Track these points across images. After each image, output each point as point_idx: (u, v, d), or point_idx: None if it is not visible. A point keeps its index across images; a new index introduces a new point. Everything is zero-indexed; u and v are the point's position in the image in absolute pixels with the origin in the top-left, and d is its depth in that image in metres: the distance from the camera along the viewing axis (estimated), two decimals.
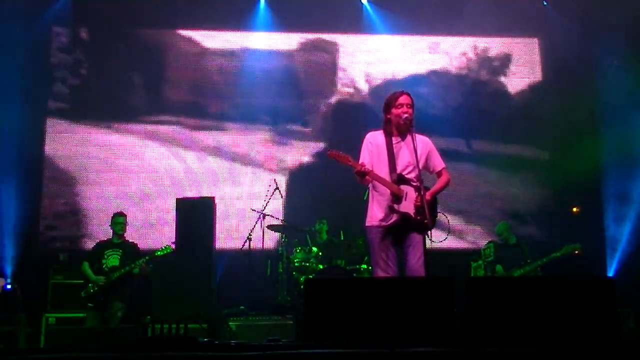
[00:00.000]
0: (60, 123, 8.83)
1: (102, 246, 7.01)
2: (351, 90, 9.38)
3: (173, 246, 6.91)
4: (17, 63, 8.28)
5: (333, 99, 9.35)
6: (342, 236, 7.77)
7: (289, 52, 9.37)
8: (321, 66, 9.40)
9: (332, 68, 9.40)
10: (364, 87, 9.36)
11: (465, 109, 9.41)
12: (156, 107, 9.09)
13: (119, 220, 7.06)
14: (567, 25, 9.16)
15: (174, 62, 9.21)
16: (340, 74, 9.39)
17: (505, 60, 9.56)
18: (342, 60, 9.42)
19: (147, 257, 6.84)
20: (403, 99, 4.62)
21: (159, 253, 6.88)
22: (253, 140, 9.07)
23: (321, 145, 9.01)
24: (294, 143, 9.12)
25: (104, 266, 6.83)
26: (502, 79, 9.54)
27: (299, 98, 9.29)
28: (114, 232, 7.05)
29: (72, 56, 9.01)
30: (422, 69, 9.42)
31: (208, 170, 8.91)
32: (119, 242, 7.01)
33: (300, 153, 9.09)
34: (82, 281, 6.85)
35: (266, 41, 9.29)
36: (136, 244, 7.15)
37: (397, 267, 4.55)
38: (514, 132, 9.35)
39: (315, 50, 9.44)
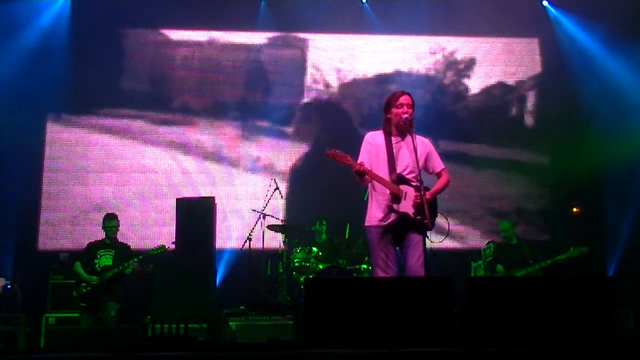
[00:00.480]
0: (60, 123, 8.84)
1: (95, 247, 7.00)
2: (346, 87, 9.39)
3: (172, 246, 6.92)
4: (17, 64, 8.28)
5: (322, 97, 9.38)
6: (347, 234, 7.74)
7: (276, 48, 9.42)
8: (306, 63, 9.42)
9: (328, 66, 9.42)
10: (360, 85, 9.36)
11: (466, 109, 9.42)
12: (155, 105, 9.11)
13: (111, 224, 7.05)
14: (567, 25, 9.16)
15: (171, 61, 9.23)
16: (337, 71, 9.41)
17: (505, 61, 9.55)
18: (338, 58, 9.44)
19: (140, 257, 6.84)
20: (404, 99, 4.61)
21: (153, 252, 6.88)
22: (253, 138, 9.09)
23: (319, 143, 9.00)
24: (292, 141, 9.14)
25: (96, 266, 6.83)
26: (502, 79, 9.53)
27: (280, 95, 9.28)
28: (106, 234, 7.06)
29: (71, 55, 9.02)
30: (423, 69, 9.42)
31: (208, 170, 8.92)
32: (111, 242, 7.02)
33: (299, 152, 9.10)
34: None
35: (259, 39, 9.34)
36: (128, 245, 7.16)
37: (397, 267, 4.55)
38: (515, 132, 9.36)
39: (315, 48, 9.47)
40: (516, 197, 9.12)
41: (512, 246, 7.45)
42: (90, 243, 7.13)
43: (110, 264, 6.85)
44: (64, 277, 7.28)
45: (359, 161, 4.52)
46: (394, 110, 4.62)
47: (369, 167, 4.51)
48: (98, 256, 6.89)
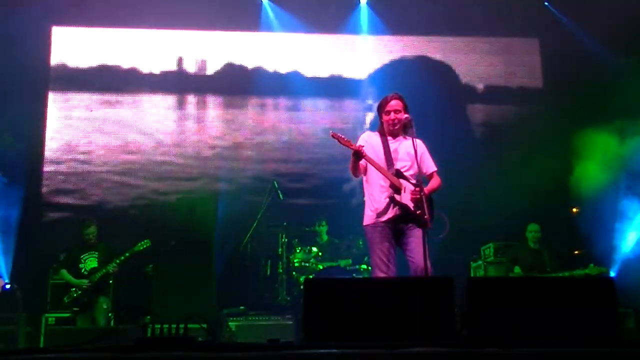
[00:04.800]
0: (59, 122, 8.84)
1: (77, 251, 6.98)
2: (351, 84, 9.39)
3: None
4: (15, 61, 8.25)
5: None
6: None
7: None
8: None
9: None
10: (360, 86, 9.36)
11: (467, 109, 9.41)
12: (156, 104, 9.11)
13: (90, 230, 7.01)
14: (568, 25, 9.14)
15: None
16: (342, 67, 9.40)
17: (505, 61, 9.54)
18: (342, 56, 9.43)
19: (127, 254, 6.80)
20: (391, 106, 4.66)
21: (137, 248, 6.84)
22: (253, 138, 9.09)
23: (319, 143, 9.01)
24: (292, 141, 9.14)
25: (82, 270, 6.82)
26: (502, 79, 9.52)
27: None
28: (85, 239, 6.99)
29: (71, 54, 9.02)
30: (420, 70, 9.40)
31: (209, 169, 8.92)
32: (93, 244, 6.98)
33: (299, 152, 9.09)
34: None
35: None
36: (109, 243, 7.13)
37: (396, 267, 4.55)
38: (516, 132, 9.34)
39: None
40: (518, 197, 9.09)
41: (532, 250, 7.37)
42: (70, 248, 7.10)
43: (96, 265, 6.83)
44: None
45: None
46: (384, 116, 4.68)
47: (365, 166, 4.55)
48: (82, 260, 6.87)
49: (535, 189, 8.99)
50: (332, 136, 4.55)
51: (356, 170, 4.59)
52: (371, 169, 4.58)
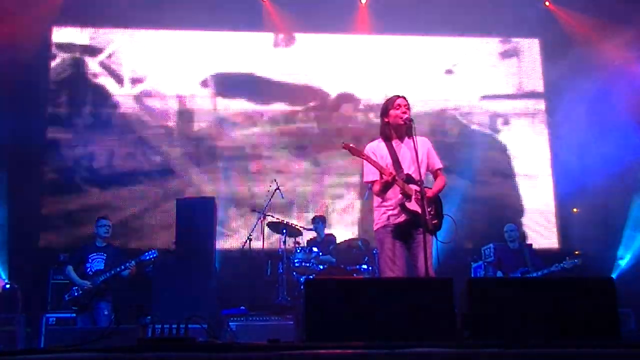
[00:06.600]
0: (59, 123, 8.85)
1: (86, 250, 6.90)
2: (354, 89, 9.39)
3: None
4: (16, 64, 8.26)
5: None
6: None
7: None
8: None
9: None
10: (360, 86, 9.37)
11: (466, 110, 9.42)
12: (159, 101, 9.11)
13: (104, 222, 6.95)
14: (569, 25, 9.15)
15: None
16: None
17: (505, 61, 9.55)
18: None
19: (132, 262, 6.70)
20: (400, 101, 4.65)
21: (144, 258, 6.73)
22: (254, 138, 9.10)
23: (319, 143, 9.01)
24: (292, 142, 9.15)
25: (88, 270, 6.75)
26: (502, 80, 9.53)
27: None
28: (98, 236, 6.93)
29: (72, 56, 9.03)
30: (420, 70, 9.41)
31: (209, 170, 8.93)
32: (103, 245, 6.90)
33: (299, 153, 9.10)
34: None
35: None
36: (119, 246, 7.05)
37: (406, 268, 4.56)
38: (515, 133, 9.35)
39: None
40: (519, 198, 9.11)
41: (513, 250, 7.42)
42: (80, 246, 7.06)
43: (102, 268, 6.76)
44: (64, 277, 7.27)
45: (371, 177, 4.58)
46: (392, 112, 4.65)
47: (378, 178, 4.53)
48: (89, 260, 6.80)
49: (539, 188, 9.03)
50: (344, 147, 4.50)
51: (385, 192, 4.57)
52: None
